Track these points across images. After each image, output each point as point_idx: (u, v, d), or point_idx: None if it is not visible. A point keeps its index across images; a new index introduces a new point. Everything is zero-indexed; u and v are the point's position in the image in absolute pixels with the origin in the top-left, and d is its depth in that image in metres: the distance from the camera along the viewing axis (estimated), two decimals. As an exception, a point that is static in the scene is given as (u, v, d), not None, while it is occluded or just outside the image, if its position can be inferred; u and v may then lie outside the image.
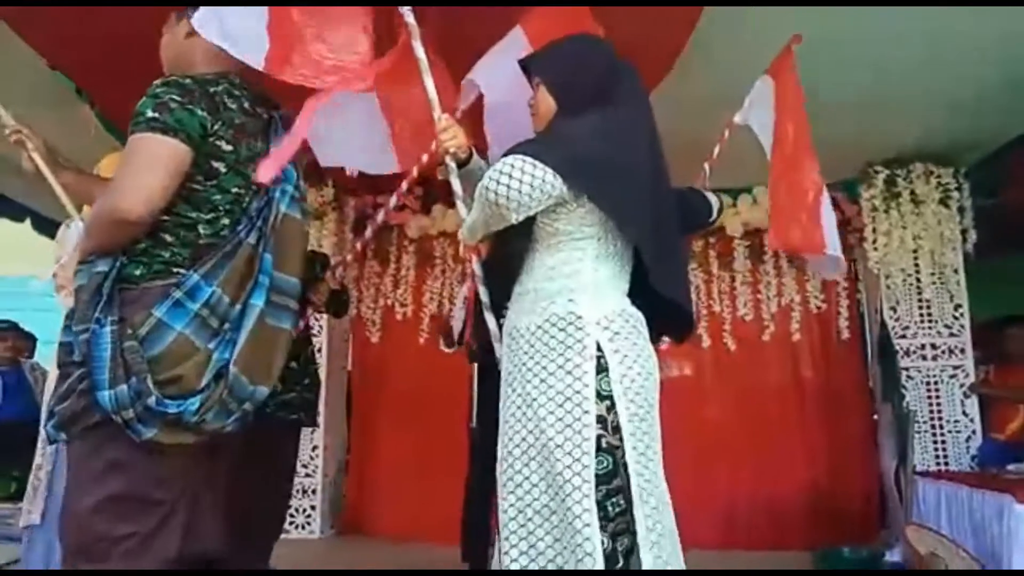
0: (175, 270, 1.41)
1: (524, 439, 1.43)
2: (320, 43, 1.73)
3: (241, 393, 1.42)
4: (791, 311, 4.58)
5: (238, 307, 1.43)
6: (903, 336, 4.22)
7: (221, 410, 1.40)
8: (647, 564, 1.35)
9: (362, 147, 2.19)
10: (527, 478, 1.41)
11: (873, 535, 4.14)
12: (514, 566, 1.39)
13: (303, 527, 4.35)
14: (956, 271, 4.21)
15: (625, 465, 1.40)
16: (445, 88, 2.10)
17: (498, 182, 1.45)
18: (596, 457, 1.38)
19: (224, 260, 1.44)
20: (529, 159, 1.45)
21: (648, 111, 1.63)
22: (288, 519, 4.26)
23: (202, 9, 1.58)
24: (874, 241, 4.21)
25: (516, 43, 2.22)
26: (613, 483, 1.38)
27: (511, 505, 1.42)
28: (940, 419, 4.12)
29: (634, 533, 1.37)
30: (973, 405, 4.11)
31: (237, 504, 1.60)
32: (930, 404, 4.14)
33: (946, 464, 4.06)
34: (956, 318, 4.20)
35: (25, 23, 2.70)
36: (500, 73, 2.12)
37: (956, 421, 4.11)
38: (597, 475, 1.37)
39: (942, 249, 4.18)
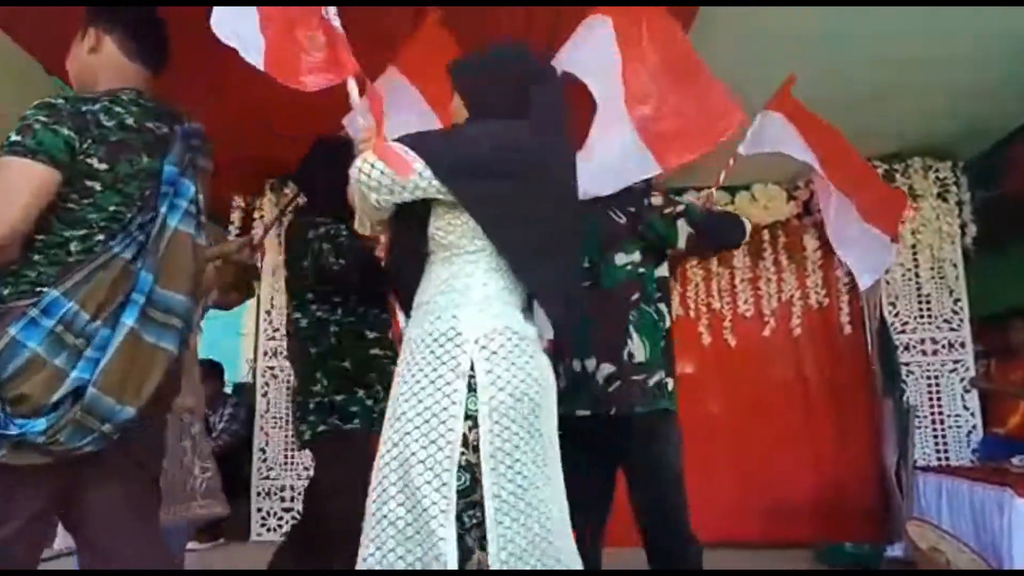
0: (39, 289, 1.39)
1: (389, 451, 1.43)
2: (296, 43, 1.76)
3: (102, 413, 1.38)
4: (791, 306, 4.58)
5: (100, 324, 1.40)
6: (902, 331, 4.23)
7: (77, 430, 1.36)
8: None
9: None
10: (385, 489, 1.41)
11: (875, 530, 4.15)
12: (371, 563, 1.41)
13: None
14: (955, 265, 4.22)
15: (481, 484, 1.39)
16: None
17: (365, 159, 1.48)
18: (456, 473, 1.38)
19: (91, 275, 1.41)
20: (405, 147, 1.47)
21: (561, 127, 1.58)
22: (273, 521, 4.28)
23: (219, 9, 1.59)
24: (873, 236, 4.21)
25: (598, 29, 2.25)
26: (471, 498, 1.39)
27: (370, 513, 1.43)
28: (940, 414, 4.13)
29: (486, 551, 1.38)
30: (973, 399, 4.12)
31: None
32: (930, 399, 4.16)
33: (947, 459, 4.07)
34: (955, 312, 4.21)
35: (21, 29, 2.70)
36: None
37: (956, 415, 4.12)
38: (457, 491, 1.38)
39: (941, 244, 4.19)
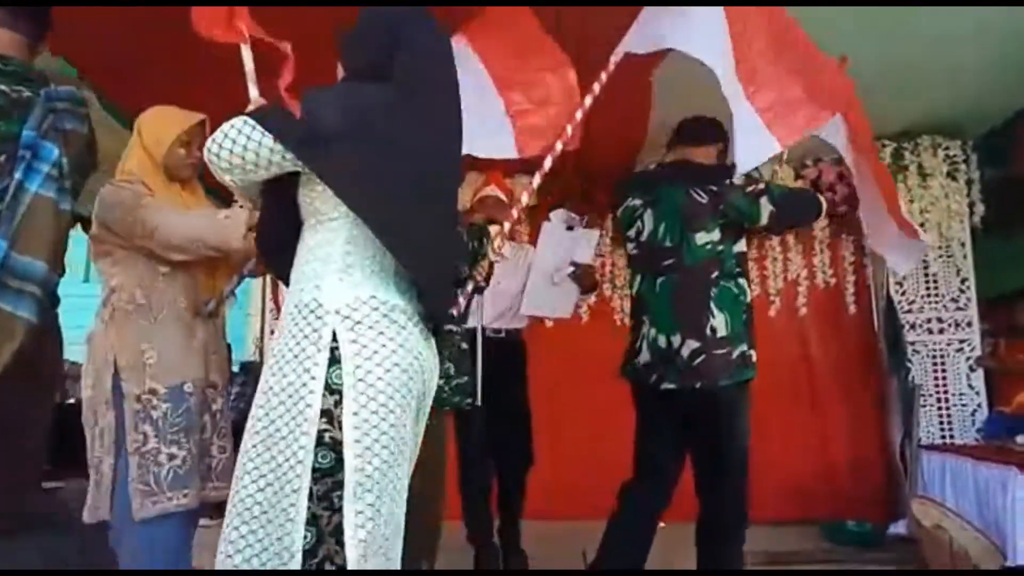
0: None
1: (253, 426, 1.39)
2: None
3: None
4: (797, 286, 4.57)
5: None
6: (909, 310, 4.22)
7: None
8: (350, 560, 1.30)
9: (476, 129, 2.13)
10: (248, 471, 1.37)
11: (879, 508, 4.17)
12: (223, 550, 1.36)
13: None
14: (963, 244, 4.19)
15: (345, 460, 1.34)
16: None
17: (214, 139, 1.43)
18: (317, 450, 1.33)
19: None
20: (250, 121, 1.41)
21: (432, 92, 1.51)
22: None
23: None
24: (880, 215, 4.19)
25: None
26: (337, 476, 1.33)
27: (234, 492, 1.38)
28: (946, 393, 4.13)
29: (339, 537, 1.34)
30: (979, 379, 4.11)
31: None
32: (936, 378, 4.15)
33: (951, 437, 4.07)
34: (962, 291, 4.19)
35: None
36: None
37: (962, 395, 4.12)
38: (320, 469, 1.33)
39: (949, 223, 4.15)
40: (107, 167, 2.00)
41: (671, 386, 2.21)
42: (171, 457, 1.93)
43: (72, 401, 5.14)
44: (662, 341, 2.23)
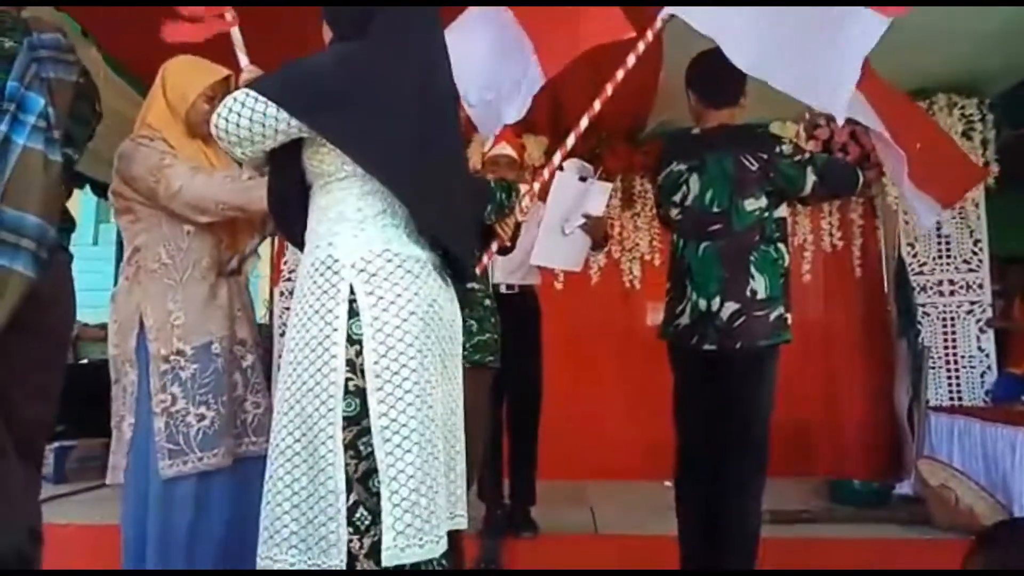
0: None
1: (283, 381, 1.45)
2: None
3: None
4: (804, 251, 4.54)
5: None
6: (920, 272, 4.19)
7: None
8: (384, 501, 1.36)
9: (517, 92, 2.10)
10: (284, 424, 1.42)
11: (885, 468, 4.21)
12: (268, 499, 1.42)
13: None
14: (977, 205, 4.14)
15: (369, 407, 1.39)
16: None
17: (219, 115, 1.44)
18: (344, 399, 1.38)
19: None
20: (253, 93, 1.42)
21: (416, 45, 1.52)
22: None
23: None
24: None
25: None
26: (362, 424, 1.39)
27: (273, 445, 1.44)
28: (955, 355, 4.12)
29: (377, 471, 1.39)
30: (989, 340, 4.10)
31: None
32: (945, 340, 4.14)
33: (960, 399, 4.07)
34: (975, 253, 4.16)
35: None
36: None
37: (971, 356, 4.11)
38: (347, 417, 1.38)
39: (963, 183, 4.10)
40: (112, 124, 1.97)
41: (711, 347, 2.27)
42: (200, 418, 1.92)
43: (85, 361, 5.19)
44: (703, 304, 2.29)
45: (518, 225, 2.26)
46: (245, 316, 2.12)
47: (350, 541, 1.36)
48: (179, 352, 1.94)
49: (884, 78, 3.46)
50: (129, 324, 1.96)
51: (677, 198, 2.41)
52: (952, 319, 4.15)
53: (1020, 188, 4.15)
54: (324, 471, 1.38)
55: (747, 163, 2.28)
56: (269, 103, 1.42)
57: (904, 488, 3.75)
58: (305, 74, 1.47)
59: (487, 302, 2.20)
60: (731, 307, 2.25)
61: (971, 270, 4.15)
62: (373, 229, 1.46)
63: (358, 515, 1.37)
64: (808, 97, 2.12)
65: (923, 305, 4.15)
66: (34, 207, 1.46)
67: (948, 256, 4.18)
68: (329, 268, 1.44)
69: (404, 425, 1.39)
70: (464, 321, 2.06)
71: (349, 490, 1.38)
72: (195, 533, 1.92)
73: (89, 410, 3.40)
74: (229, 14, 2.04)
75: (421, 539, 1.37)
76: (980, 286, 4.14)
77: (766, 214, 2.30)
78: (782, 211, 2.37)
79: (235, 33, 1.87)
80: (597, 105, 2.23)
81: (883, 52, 2.77)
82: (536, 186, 2.27)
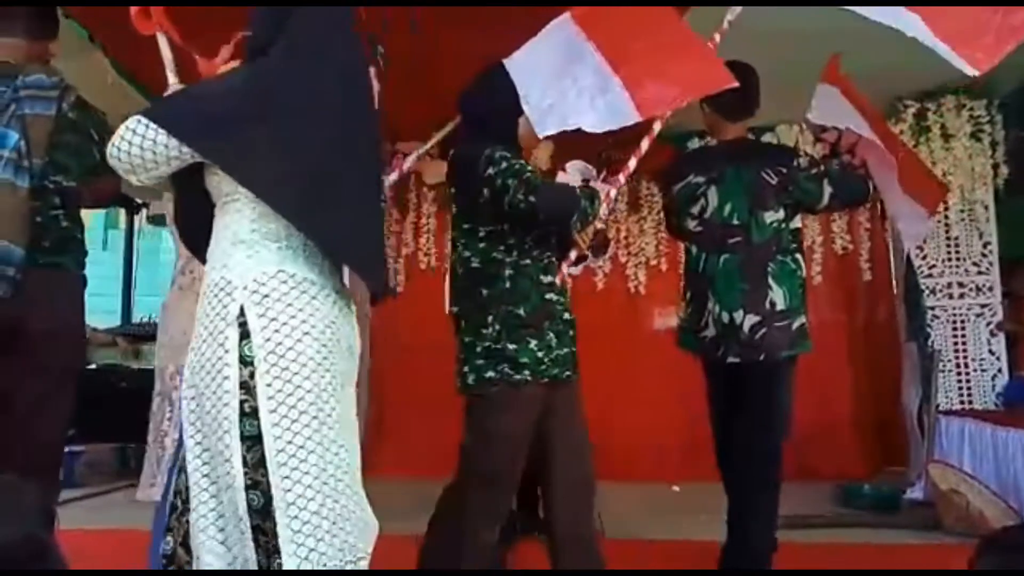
0: None
1: (191, 408, 1.46)
2: None
3: None
4: (813, 253, 4.53)
5: None
6: (929, 275, 4.16)
7: None
8: (280, 525, 1.36)
9: (587, 104, 2.04)
10: (191, 447, 1.45)
11: (894, 472, 4.18)
12: (194, 522, 1.43)
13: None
14: (986, 207, 4.11)
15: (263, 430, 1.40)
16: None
17: (113, 143, 1.46)
18: (243, 421, 1.39)
19: None
20: (145, 120, 1.44)
21: (329, 52, 1.52)
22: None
23: None
24: (902, 179, 4.12)
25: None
26: (260, 445, 1.39)
27: (188, 467, 1.47)
28: (965, 358, 4.09)
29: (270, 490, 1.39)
30: (999, 343, 4.07)
31: None
32: (955, 343, 4.11)
33: (970, 403, 4.04)
34: (984, 255, 4.13)
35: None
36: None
37: (982, 359, 4.08)
38: (249, 437, 1.39)
39: (972, 185, 4.07)
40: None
41: (735, 359, 2.34)
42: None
43: (93, 367, 5.20)
44: (725, 317, 2.35)
45: (600, 234, 2.28)
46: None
47: (266, 564, 1.38)
48: None
49: (894, 80, 3.47)
50: (185, 336, 1.88)
51: (695, 210, 2.46)
52: (962, 322, 4.12)
53: (1029, 191, 4.13)
54: (227, 494, 1.39)
55: (767, 176, 2.35)
56: (159, 130, 1.43)
57: (915, 493, 3.72)
58: (198, 99, 1.52)
59: (566, 315, 2.13)
60: (752, 319, 2.31)
61: (980, 272, 4.13)
62: (267, 251, 1.46)
63: (263, 540, 1.38)
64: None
65: (932, 308, 4.12)
66: (5, 234, 1.64)
67: (957, 258, 4.16)
68: (223, 290, 1.45)
69: (301, 447, 1.38)
70: (543, 335, 2.05)
71: (269, 504, 1.38)
72: None
73: (98, 415, 3.41)
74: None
75: (326, 564, 1.36)
76: (990, 288, 4.11)
77: (783, 226, 2.37)
78: (797, 222, 2.44)
79: (164, 50, 1.85)
80: (645, 144, 2.23)
81: (890, 54, 2.77)
82: (612, 192, 2.25)
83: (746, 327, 2.31)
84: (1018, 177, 4.05)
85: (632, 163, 2.24)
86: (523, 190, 1.97)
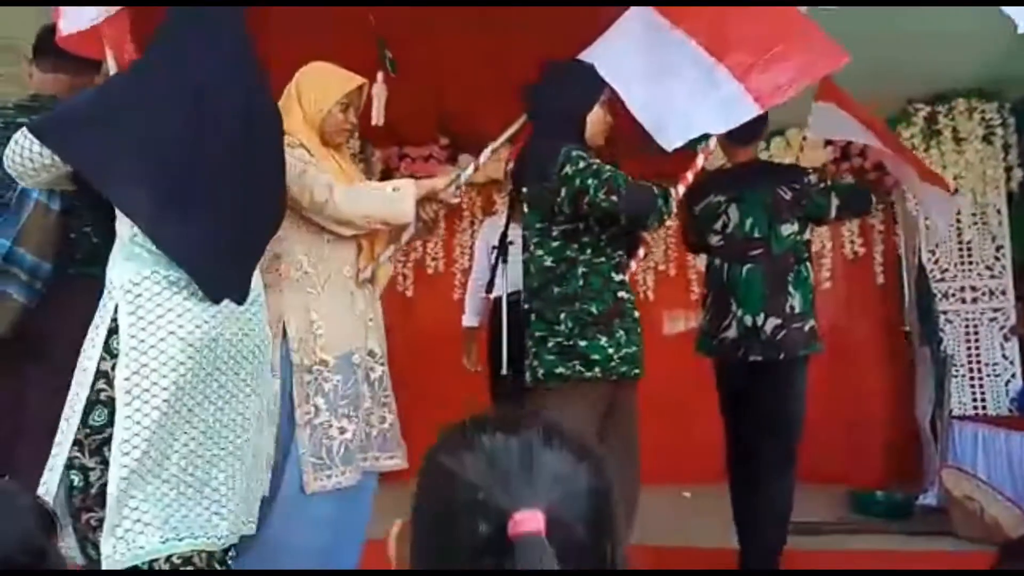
0: None
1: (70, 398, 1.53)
2: None
3: None
4: (822, 258, 4.51)
5: None
6: (942, 279, 4.13)
7: None
8: (110, 511, 1.42)
9: (702, 103, 1.99)
10: (59, 441, 1.50)
11: (907, 479, 4.13)
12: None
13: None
14: (999, 211, 4.07)
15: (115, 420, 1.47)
16: None
17: (5, 153, 1.55)
18: (94, 408, 1.47)
19: None
20: (24, 131, 1.51)
21: (195, 53, 1.54)
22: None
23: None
24: (913, 182, 4.08)
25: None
26: (107, 433, 1.46)
27: None
28: (979, 362, 4.05)
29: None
30: (1013, 348, 4.03)
31: None
32: (968, 347, 4.07)
33: (984, 408, 4.00)
34: (997, 259, 4.09)
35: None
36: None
37: (995, 364, 4.04)
38: (93, 426, 1.47)
39: (984, 188, 4.04)
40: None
41: (757, 358, 2.51)
42: (342, 431, 1.87)
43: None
44: (748, 320, 2.52)
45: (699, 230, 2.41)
46: (376, 326, 2.07)
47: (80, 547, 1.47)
48: (322, 362, 1.88)
49: (904, 82, 3.45)
50: (272, 333, 1.89)
51: (717, 226, 2.64)
52: (975, 326, 4.08)
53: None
54: (46, 472, 1.47)
55: (782, 193, 2.55)
56: (33, 139, 1.50)
57: (927, 499, 3.68)
58: (68, 107, 1.62)
59: (635, 313, 2.14)
60: (773, 322, 2.50)
61: (993, 276, 4.09)
62: (146, 252, 1.52)
63: (85, 518, 1.47)
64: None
65: (945, 312, 4.09)
66: (31, 246, 1.78)
67: (970, 262, 4.12)
68: (106, 291, 1.53)
69: (146, 440, 1.44)
70: (613, 332, 2.06)
71: (87, 489, 1.46)
72: (329, 550, 1.87)
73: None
74: None
75: (142, 548, 1.43)
76: (1003, 292, 4.08)
77: (798, 237, 2.58)
78: (808, 233, 2.65)
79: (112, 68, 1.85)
80: (700, 160, 2.20)
81: (902, 57, 2.76)
82: (680, 189, 2.24)
83: (768, 329, 2.49)
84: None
85: (700, 161, 2.21)
86: (604, 190, 1.98)
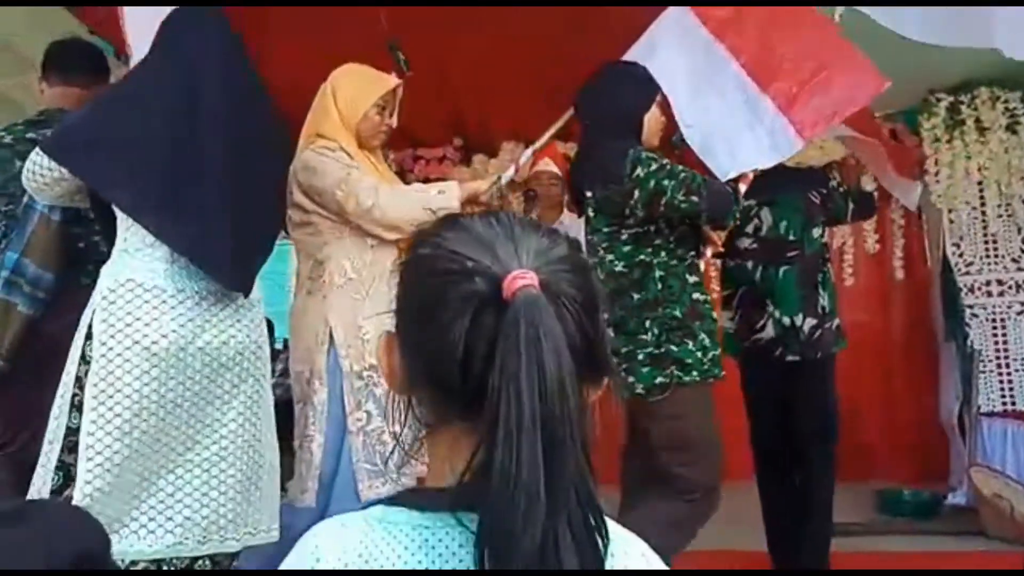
0: None
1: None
2: None
3: None
4: (843, 254, 4.44)
5: None
6: (967, 273, 4.04)
7: None
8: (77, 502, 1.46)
9: (748, 136, 2.02)
10: (49, 439, 1.56)
11: (935, 477, 4.06)
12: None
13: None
14: (1024, 202, 3.99)
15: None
16: None
17: (24, 171, 1.62)
18: (72, 412, 1.51)
19: None
20: (38, 149, 1.57)
21: (181, 58, 1.58)
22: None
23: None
24: (936, 174, 3.98)
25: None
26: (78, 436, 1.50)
27: None
28: (1007, 357, 3.96)
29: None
30: (1043, 342, 3.94)
31: None
32: (996, 342, 3.98)
33: (1013, 404, 3.91)
34: (1024, 251, 4.01)
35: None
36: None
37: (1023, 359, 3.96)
38: (71, 428, 1.51)
39: (1009, 179, 3.94)
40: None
41: (795, 358, 2.56)
42: (395, 436, 1.85)
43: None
44: (786, 320, 2.56)
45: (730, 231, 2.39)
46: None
47: None
48: (372, 367, 1.86)
49: (926, 72, 3.39)
50: (318, 340, 1.90)
51: (750, 229, 2.67)
52: (1002, 320, 3.99)
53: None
54: (37, 472, 1.52)
55: (813, 198, 2.64)
56: (43, 155, 1.55)
57: (956, 498, 3.62)
58: (73, 120, 1.66)
59: (713, 314, 2.12)
60: (811, 322, 2.56)
61: (1020, 269, 4.00)
62: (128, 259, 1.57)
63: None
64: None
65: (971, 306, 4.00)
66: (34, 257, 1.83)
67: (996, 255, 4.03)
68: (93, 296, 1.58)
69: (108, 446, 1.48)
70: (697, 335, 2.03)
71: (65, 487, 1.50)
72: None
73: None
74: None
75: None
76: (1030, 286, 3.99)
77: (823, 239, 2.69)
78: (826, 236, 2.77)
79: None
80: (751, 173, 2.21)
81: (922, 46, 2.70)
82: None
83: (806, 329, 2.54)
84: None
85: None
86: (683, 191, 1.97)
